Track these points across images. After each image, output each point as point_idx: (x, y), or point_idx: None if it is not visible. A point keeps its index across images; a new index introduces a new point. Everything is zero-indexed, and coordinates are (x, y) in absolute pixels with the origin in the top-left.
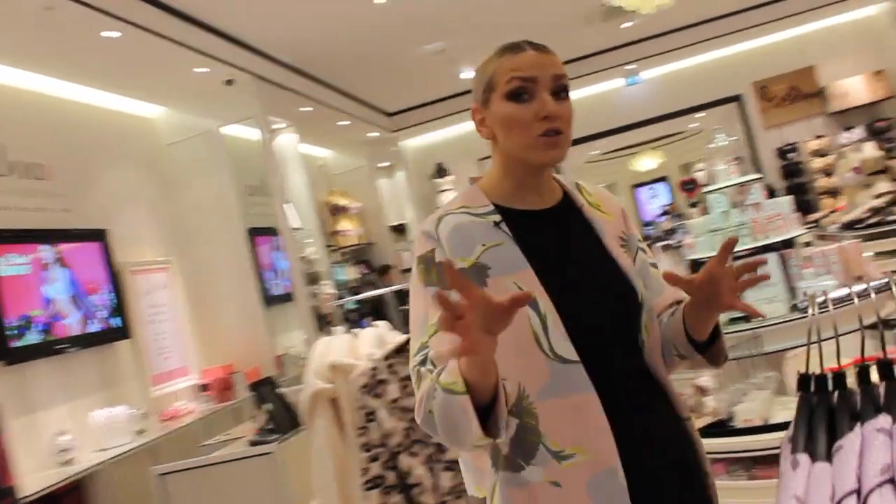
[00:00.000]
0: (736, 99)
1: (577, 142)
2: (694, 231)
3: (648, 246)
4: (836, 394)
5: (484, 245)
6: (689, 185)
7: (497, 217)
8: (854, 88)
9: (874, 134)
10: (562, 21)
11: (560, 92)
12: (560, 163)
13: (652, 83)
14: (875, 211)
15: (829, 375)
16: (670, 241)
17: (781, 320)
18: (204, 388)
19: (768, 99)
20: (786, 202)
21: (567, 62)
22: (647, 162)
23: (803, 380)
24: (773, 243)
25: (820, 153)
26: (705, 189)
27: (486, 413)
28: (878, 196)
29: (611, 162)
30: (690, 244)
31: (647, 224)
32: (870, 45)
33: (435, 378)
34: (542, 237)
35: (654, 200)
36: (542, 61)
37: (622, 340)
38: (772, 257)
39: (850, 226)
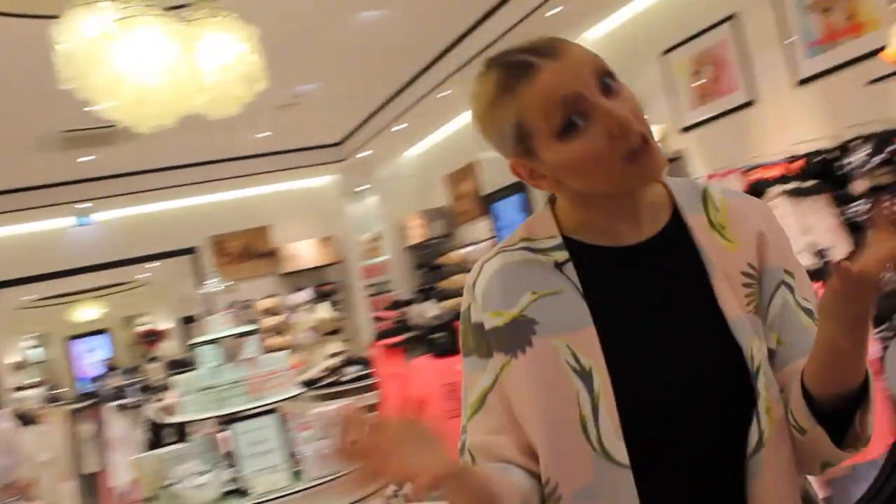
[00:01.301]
0: (191, 251)
1: (9, 284)
2: (181, 388)
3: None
4: None
5: (535, 293)
6: (151, 337)
7: (562, 255)
8: (304, 251)
9: (321, 296)
10: (13, 144)
11: (610, 81)
12: (659, 175)
13: (104, 226)
14: (331, 370)
15: None
16: (126, 401)
17: (284, 493)
18: None
19: (224, 254)
20: (282, 357)
21: (12, 191)
22: (87, 312)
23: None
24: (271, 403)
25: (271, 312)
26: (197, 340)
27: None
28: (332, 356)
29: (46, 310)
30: (173, 404)
31: (93, 380)
32: (320, 212)
33: None
34: (623, 284)
35: (93, 354)
36: (570, 67)
37: (713, 437)
38: (269, 420)
39: (308, 385)
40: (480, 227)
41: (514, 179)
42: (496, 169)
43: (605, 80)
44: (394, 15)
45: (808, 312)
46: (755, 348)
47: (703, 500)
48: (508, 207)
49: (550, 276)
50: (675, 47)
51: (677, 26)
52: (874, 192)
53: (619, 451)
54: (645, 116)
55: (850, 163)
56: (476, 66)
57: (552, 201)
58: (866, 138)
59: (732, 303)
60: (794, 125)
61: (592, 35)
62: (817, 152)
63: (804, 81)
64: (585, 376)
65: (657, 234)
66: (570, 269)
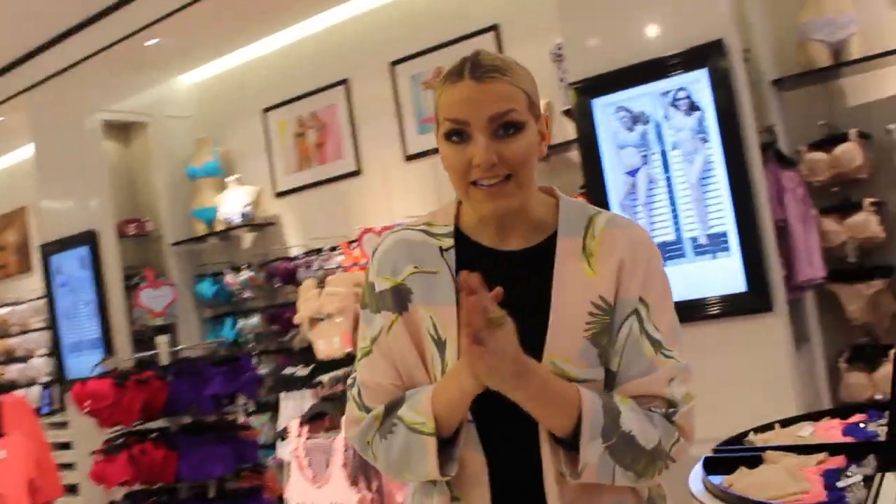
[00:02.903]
0: None
1: None
2: None
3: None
4: None
5: (416, 268)
6: None
7: (448, 242)
8: None
9: None
10: None
11: (507, 129)
12: (509, 210)
13: None
14: None
15: None
16: None
17: None
18: None
19: None
20: None
21: None
22: None
23: None
24: None
25: None
26: None
27: (444, 448)
28: None
29: None
30: None
31: None
32: None
33: (382, 414)
34: (488, 279)
35: None
36: (478, 97)
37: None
38: None
39: None
40: (26, 284)
41: (79, 230)
42: (57, 216)
43: (502, 127)
44: None
45: (653, 341)
46: (552, 365)
47: (534, 467)
48: (70, 261)
49: (434, 257)
50: (278, 105)
51: (285, 83)
52: None
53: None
54: (513, 162)
55: None
56: (46, 90)
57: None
58: None
59: (563, 322)
60: (400, 199)
61: (191, 79)
62: None
63: (413, 157)
64: (440, 345)
65: (529, 248)
66: (451, 255)
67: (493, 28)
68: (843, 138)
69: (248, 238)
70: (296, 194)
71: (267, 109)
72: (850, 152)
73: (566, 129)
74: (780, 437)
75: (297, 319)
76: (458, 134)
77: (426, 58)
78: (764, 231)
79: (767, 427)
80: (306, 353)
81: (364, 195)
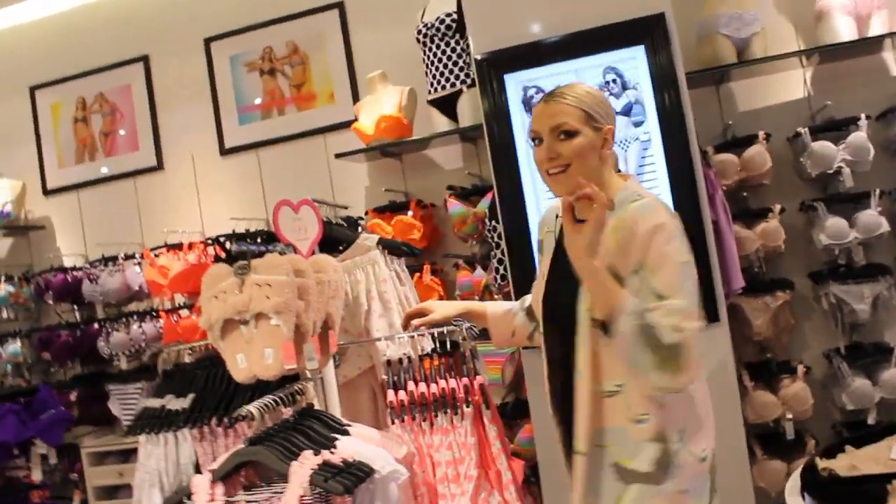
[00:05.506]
0: None
1: None
2: None
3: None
4: None
5: (548, 228)
6: None
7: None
8: None
9: None
10: None
11: (563, 134)
12: (567, 194)
13: None
14: None
15: None
16: None
17: None
18: None
19: None
20: None
21: None
22: None
23: None
24: None
25: None
26: None
27: None
28: None
29: None
30: None
31: None
32: None
33: None
34: (566, 240)
35: None
36: (543, 113)
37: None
38: None
39: None
40: None
41: None
42: None
43: (559, 133)
44: None
45: (652, 290)
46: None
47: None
48: None
49: (556, 223)
50: (51, 83)
51: (62, 57)
52: None
53: (539, 316)
54: (568, 156)
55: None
56: None
57: None
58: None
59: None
60: (214, 198)
61: None
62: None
63: (231, 150)
64: (540, 276)
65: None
66: (558, 221)
67: (338, 6)
68: (748, 141)
69: (4, 244)
70: (72, 192)
71: (35, 88)
72: (761, 155)
73: (435, 121)
74: (864, 461)
75: (202, 324)
76: (535, 139)
77: (250, 35)
78: (707, 233)
79: (837, 449)
80: (175, 377)
81: (166, 194)
